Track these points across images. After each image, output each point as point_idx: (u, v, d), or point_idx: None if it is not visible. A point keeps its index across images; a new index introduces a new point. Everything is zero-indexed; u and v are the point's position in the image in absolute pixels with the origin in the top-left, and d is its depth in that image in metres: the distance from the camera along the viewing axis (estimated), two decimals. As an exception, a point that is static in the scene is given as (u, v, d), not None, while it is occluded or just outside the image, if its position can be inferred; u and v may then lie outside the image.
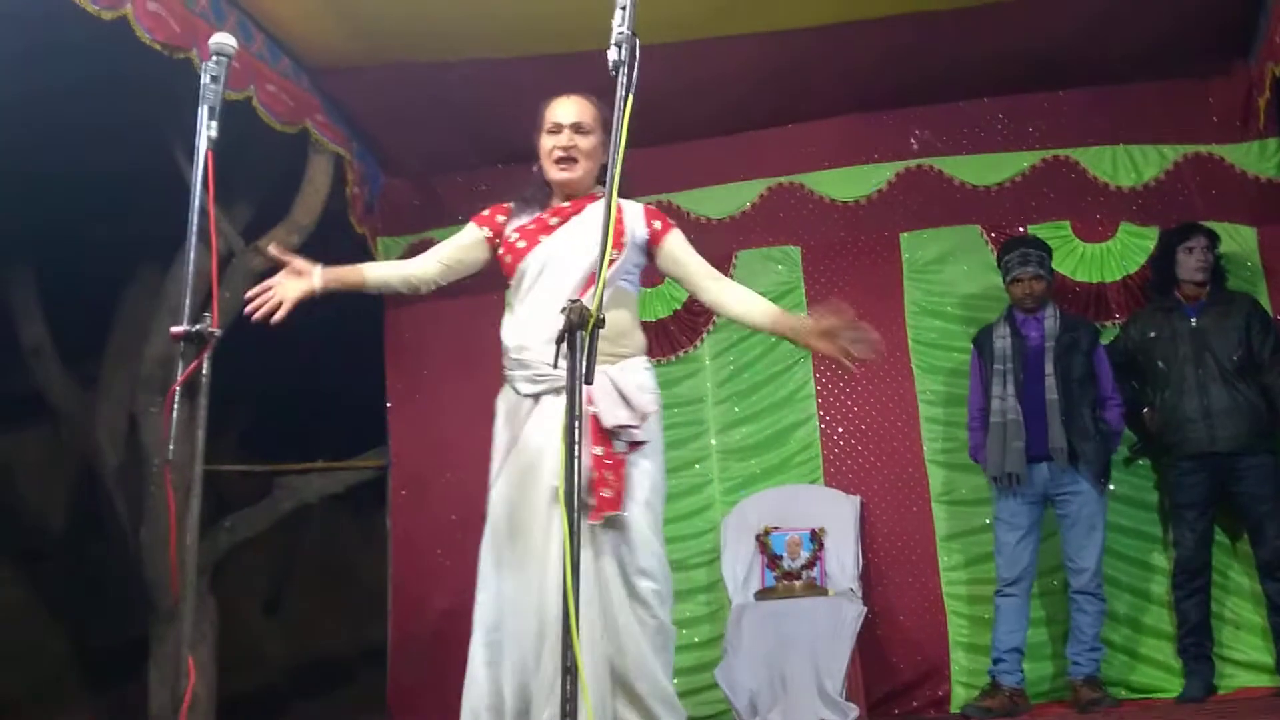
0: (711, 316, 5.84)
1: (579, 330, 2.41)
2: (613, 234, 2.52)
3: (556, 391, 3.12)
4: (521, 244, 3.25)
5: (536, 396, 3.17)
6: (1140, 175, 5.57)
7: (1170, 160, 5.55)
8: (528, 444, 3.16)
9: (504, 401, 3.28)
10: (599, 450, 3.03)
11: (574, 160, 3.26)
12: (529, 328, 3.18)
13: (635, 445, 3.11)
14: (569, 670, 2.20)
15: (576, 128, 3.26)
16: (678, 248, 3.36)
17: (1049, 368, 4.83)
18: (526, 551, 3.08)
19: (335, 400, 6.35)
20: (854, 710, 4.76)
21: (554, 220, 3.24)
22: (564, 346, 2.38)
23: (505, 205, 3.37)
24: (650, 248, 3.33)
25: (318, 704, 6.85)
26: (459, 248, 3.36)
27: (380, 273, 3.41)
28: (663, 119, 5.33)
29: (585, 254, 3.16)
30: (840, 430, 5.64)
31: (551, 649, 2.98)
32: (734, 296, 3.33)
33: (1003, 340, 4.95)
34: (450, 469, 5.75)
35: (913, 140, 5.81)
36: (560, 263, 3.20)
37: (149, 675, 5.59)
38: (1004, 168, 5.69)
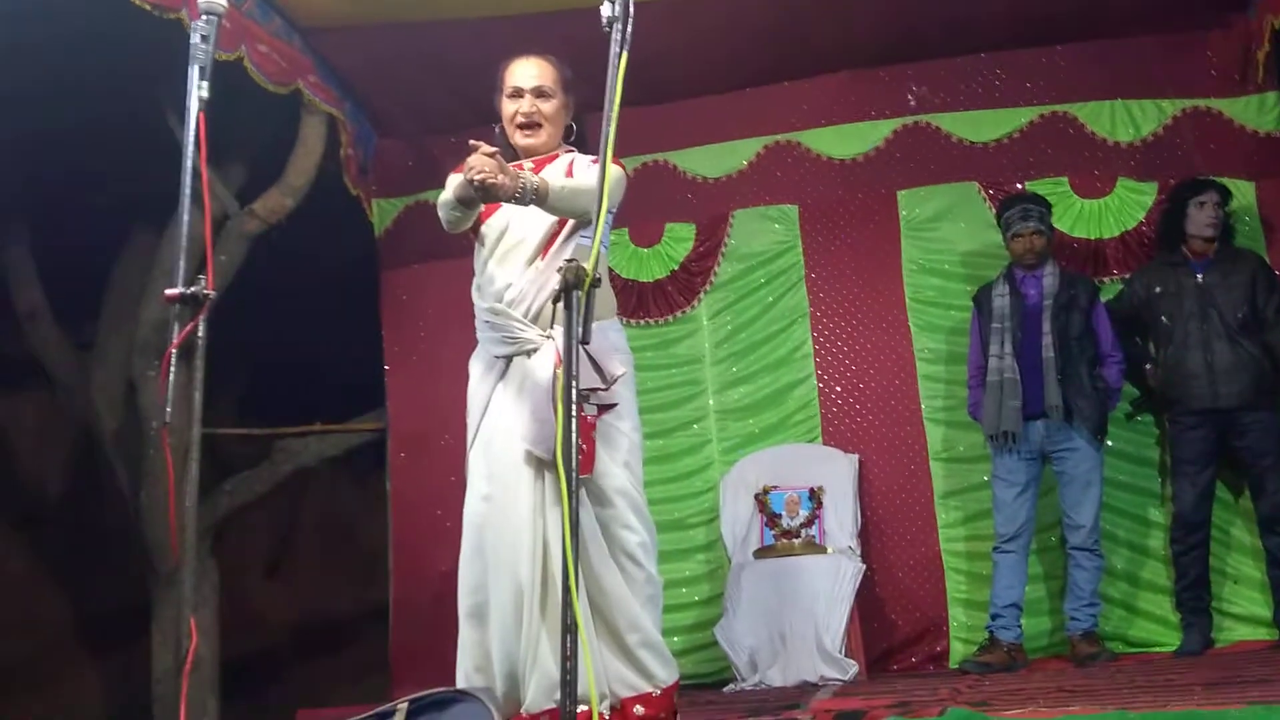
0: (709, 277, 5.83)
1: (575, 290, 2.41)
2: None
3: (527, 354, 3.14)
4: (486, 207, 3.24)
5: (507, 359, 3.18)
6: (1138, 130, 5.53)
7: (1168, 115, 5.52)
8: (499, 407, 3.17)
9: (477, 362, 3.29)
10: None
11: (538, 125, 3.25)
12: (495, 289, 3.19)
13: (606, 408, 3.12)
14: (569, 629, 2.21)
15: (538, 92, 3.25)
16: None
17: (1046, 325, 4.82)
18: (502, 515, 3.10)
19: (333, 363, 6.35)
20: (853, 666, 4.79)
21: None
22: (559, 306, 2.38)
23: None
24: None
25: (320, 665, 6.89)
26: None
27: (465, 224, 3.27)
28: (656, 76, 5.29)
29: (543, 218, 3.14)
30: (838, 389, 5.64)
31: (530, 609, 3.00)
32: None
33: (1001, 299, 4.94)
34: (448, 430, 5.74)
35: (910, 97, 5.77)
36: (520, 224, 3.20)
37: (151, 638, 5.62)
38: (1002, 124, 5.66)
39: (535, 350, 3.13)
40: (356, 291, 6.28)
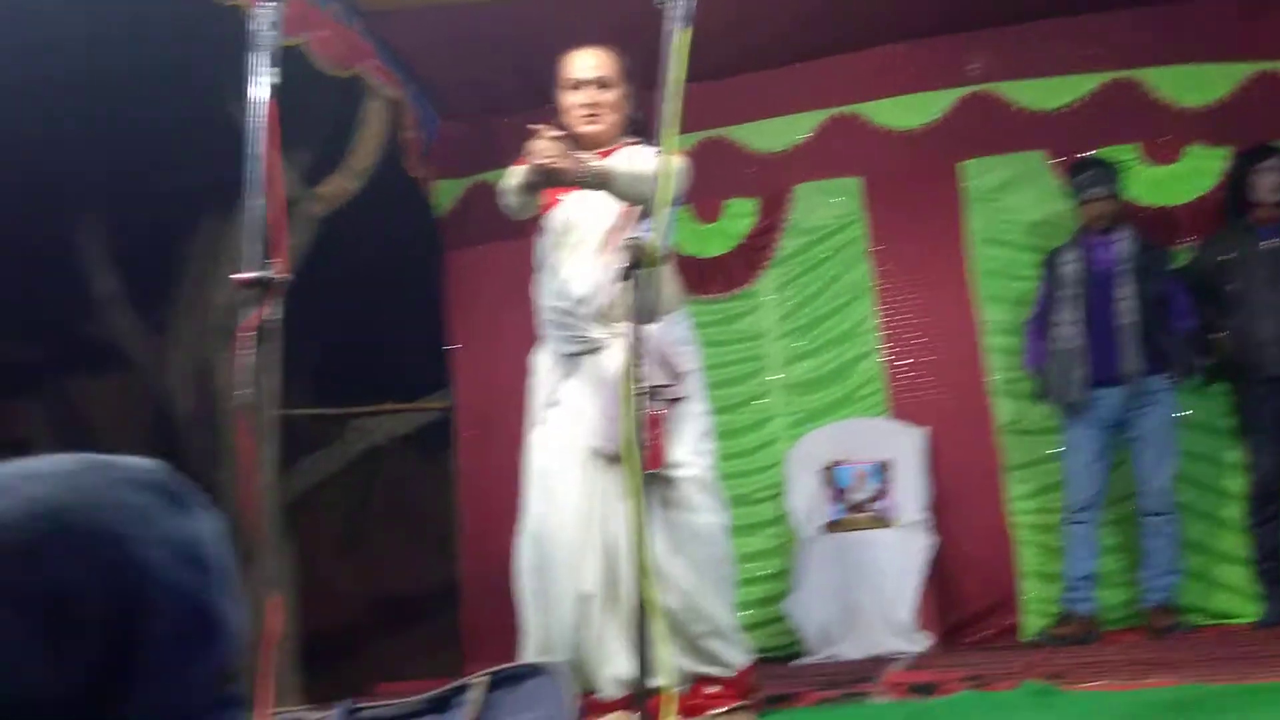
0: (771, 252, 5.81)
1: (638, 269, 2.42)
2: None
3: (594, 351, 3.15)
4: (546, 201, 3.26)
5: (574, 355, 3.20)
6: (1209, 94, 5.41)
7: (1240, 78, 5.38)
8: (566, 402, 3.18)
9: (542, 359, 3.30)
10: None
11: (599, 116, 3.26)
12: (561, 286, 3.20)
13: (675, 401, 3.13)
14: (642, 616, 2.23)
15: (599, 83, 3.27)
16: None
17: (1124, 290, 4.73)
18: (565, 511, 3.11)
19: (400, 343, 6.42)
20: (925, 639, 4.78)
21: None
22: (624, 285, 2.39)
23: None
24: None
25: (394, 641, 7.00)
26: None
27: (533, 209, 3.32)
28: (714, 52, 5.21)
29: (606, 211, 3.15)
30: (904, 363, 5.61)
31: (597, 604, 3.03)
32: None
33: (1070, 264, 4.86)
34: (514, 409, 5.72)
35: (973, 65, 5.69)
36: (582, 218, 3.21)
37: (230, 616, 5.74)
38: (1067, 91, 5.56)
39: (603, 349, 3.15)
40: (421, 272, 6.34)
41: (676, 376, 3.12)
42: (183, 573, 0.79)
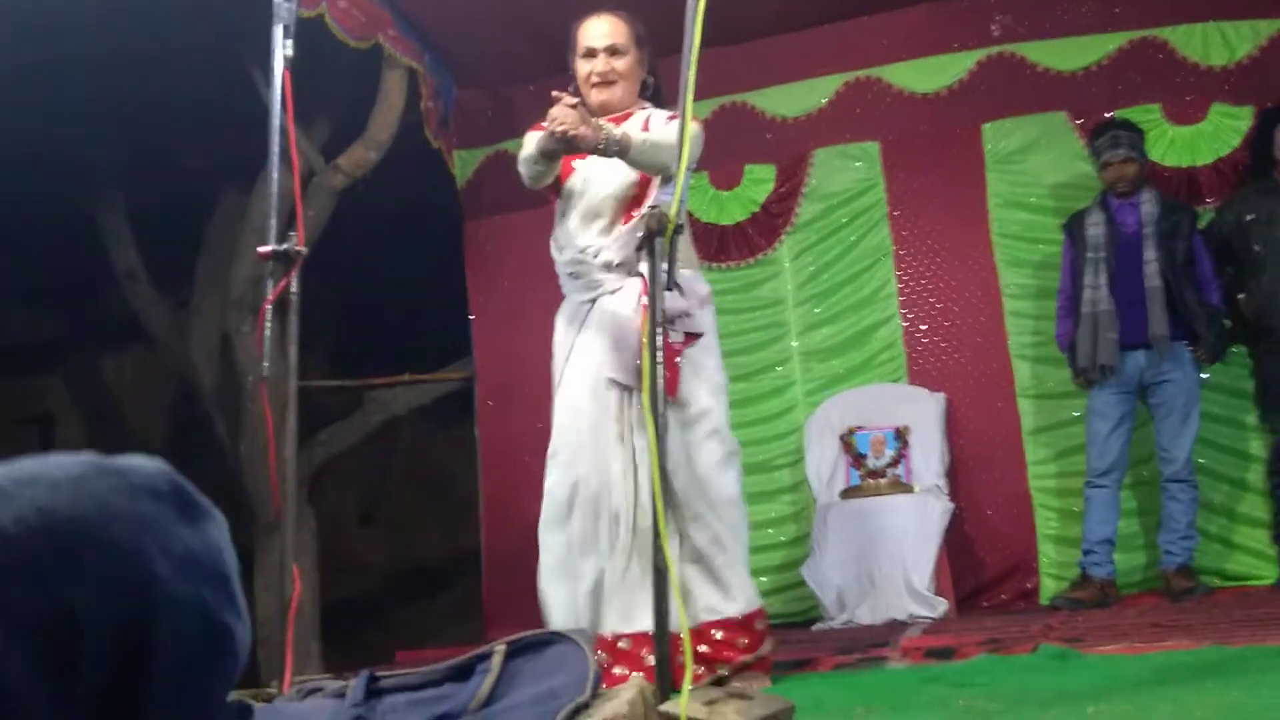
0: (790, 218, 5.80)
1: (658, 237, 2.42)
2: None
3: (612, 293, 3.18)
4: (563, 167, 3.28)
5: (592, 301, 3.22)
6: (1233, 53, 5.34)
7: (1264, 36, 5.31)
8: (583, 345, 3.22)
9: (562, 314, 3.34)
10: None
11: (612, 83, 3.27)
12: (575, 243, 3.24)
13: (691, 338, 3.14)
14: (660, 571, 2.25)
15: (611, 50, 3.27)
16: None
17: (1151, 253, 4.68)
18: (587, 444, 3.15)
19: (420, 313, 6.45)
20: (943, 604, 4.79)
21: None
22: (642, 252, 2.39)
23: None
24: None
25: (415, 609, 7.07)
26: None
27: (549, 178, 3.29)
28: (732, 16, 5.21)
29: (621, 171, 3.16)
30: (923, 328, 5.59)
31: (621, 535, 3.06)
32: None
33: (1096, 227, 4.81)
34: (534, 378, 5.76)
35: (994, 26, 5.64)
36: (599, 185, 3.23)
37: (254, 585, 5.81)
38: (1089, 51, 5.50)
39: (618, 290, 3.18)
40: (441, 242, 6.35)
41: (698, 304, 3.16)
42: (194, 590, 0.75)
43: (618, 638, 3.07)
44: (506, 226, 6.11)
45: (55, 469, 0.76)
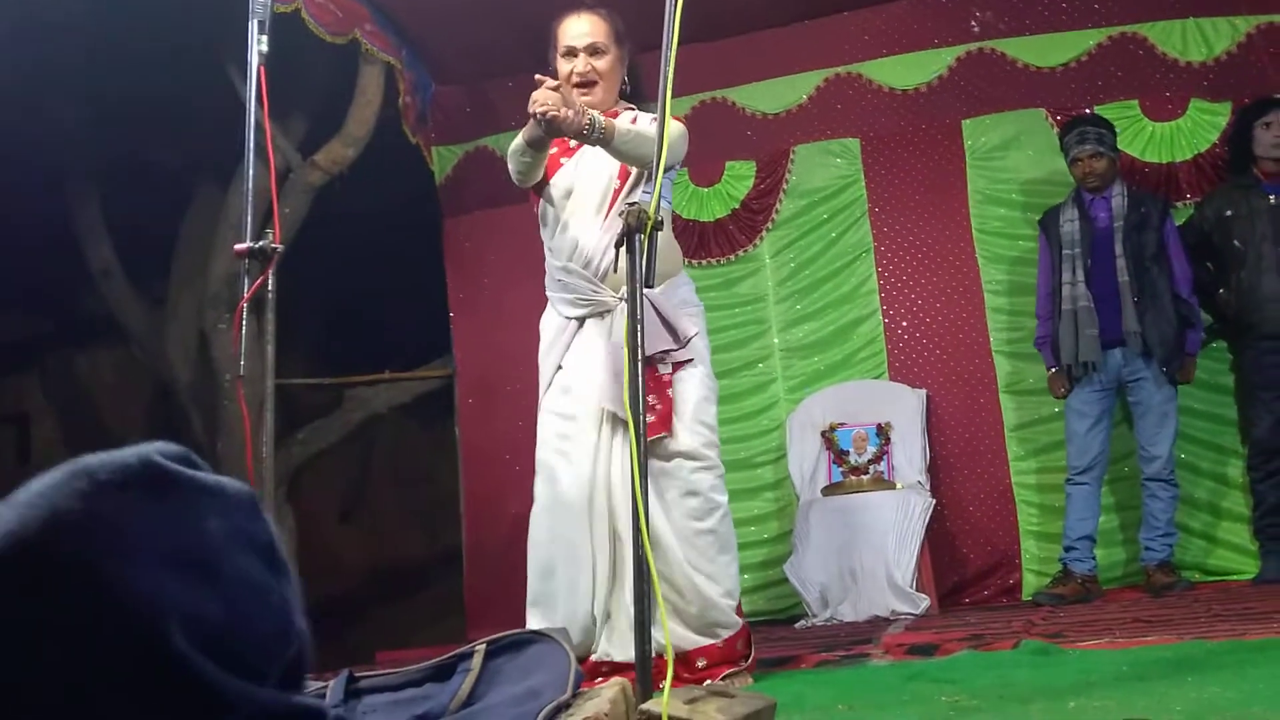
0: (771, 215, 5.79)
1: (638, 233, 2.40)
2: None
3: (600, 315, 3.15)
4: (549, 163, 3.26)
5: (580, 320, 3.19)
6: (1211, 49, 5.36)
7: (1242, 32, 5.34)
8: (572, 367, 3.19)
9: (548, 323, 3.30)
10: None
11: (594, 83, 3.25)
12: (564, 250, 3.20)
13: (681, 364, 3.13)
14: (644, 579, 2.23)
15: (591, 49, 3.25)
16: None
17: (1118, 248, 4.72)
18: (574, 472, 3.12)
19: (399, 311, 6.42)
20: (925, 600, 4.79)
21: (574, 141, 3.20)
22: (623, 251, 2.37)
23: None
24: None
25: (397, 608, 7.04)
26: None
27: (537, 171, 3.26)
28: (712, 11, 5.23)
29: (606, 174, 3.15)
30: (904, 324, 5.59)
31: (604, 564, 3.04)
32: None
33: (1070, 224, 4.83)
34: (515, 376, 5.78)
35: (973, 23, 5.64)
36: (585, 180, 3.22)
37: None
38: (1068, 47, 5.51)
39: (609, 311, 3.15)
40: (420, 239, 6.32)
41: (680, 340, 3.12)
42: (154, 586, 0.73)
43: (603, 664, 3.05)
44: (486, 223, 6.08)
45: (26, 488, 0.75)
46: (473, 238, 6.20)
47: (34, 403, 7.12)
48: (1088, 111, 5.33)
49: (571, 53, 3.25)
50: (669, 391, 3.10)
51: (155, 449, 0.83)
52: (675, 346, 3.10)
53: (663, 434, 3.07)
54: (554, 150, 3.26)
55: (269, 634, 0.83)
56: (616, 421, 3.09)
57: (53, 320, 6.97)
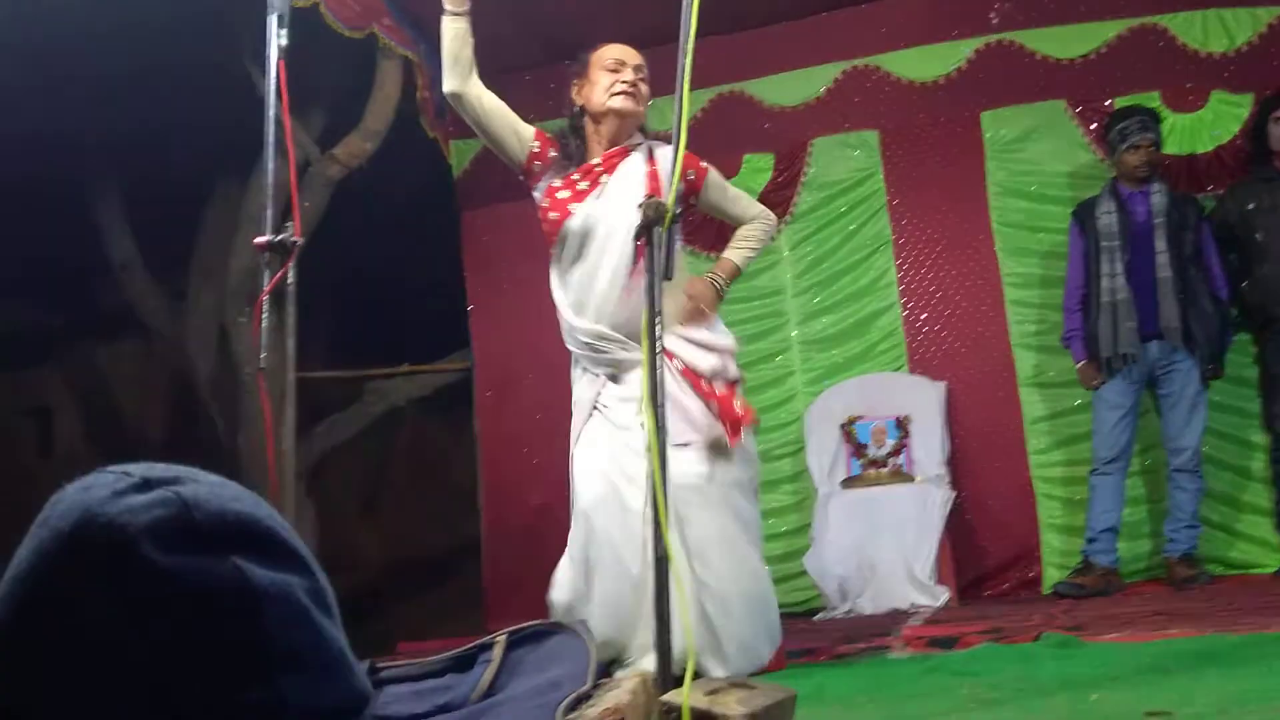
0: (788, 208, 5.78)
1: (656, 226, 2.39)
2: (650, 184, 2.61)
3: (631, 369, 3.14)
4: (556, 212, 3.22)
5: (612, 376, 3.20)
6: (1232, 40, 5.32)
7: (1264, 23, 5.29)
8: (611, 402, 3.16)
9: (579, 372, 3.28)
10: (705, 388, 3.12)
11: (636, 96, 3.27)
12: (588, 309, 3.19)
13: (733, 384, 3.15)
14: (661, 561, 2.22)
15: (638, 69, 3.28)
16: (714, 192, 3.42)
17: (1161, 244, 4.66)
18: (619, 503, 3.06)
19: (418, 304, 6.43)
20: (945, 593, 4.79)
21: (584, 184, 3.21)
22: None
23: (556, 142, 3.35)
24: (688, 197, 3.36)
25: (417, 601, 7.06)
26: (506, 122, 3.34)
27: (467, 37, 3.36)
28: (729, 4, 5.21)
29: (624, 221, 3.07)
30: (924, 316, 5.58)
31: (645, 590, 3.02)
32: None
33: (1108, 215, 4.78)
34: (533, 369, 5.80)
35: (992, 14, 5.61)
36: (606, 225, 3.17)
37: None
38: (1088, 38, 5.48)
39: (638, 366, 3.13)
40: (438, 233, 6.33)
41: (730, 352, 3.20)
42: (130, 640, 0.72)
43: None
44: (504, 217, 6.07)
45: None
46: (490, 231, 6.20)
47: (56, 396, 7.17)
48: (1109, 103, 5.30)
49: (619, 66, 3.27)
50: (734, 405, 3.13)
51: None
52: (727, 359, 3.17)
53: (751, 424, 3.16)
54: (564, 194, 3.23)
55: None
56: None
57: (74, 314, 7.00)
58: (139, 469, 0.77)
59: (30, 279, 6.34)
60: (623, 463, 3.08)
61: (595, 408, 3.20)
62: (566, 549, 3.19)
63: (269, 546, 0.77)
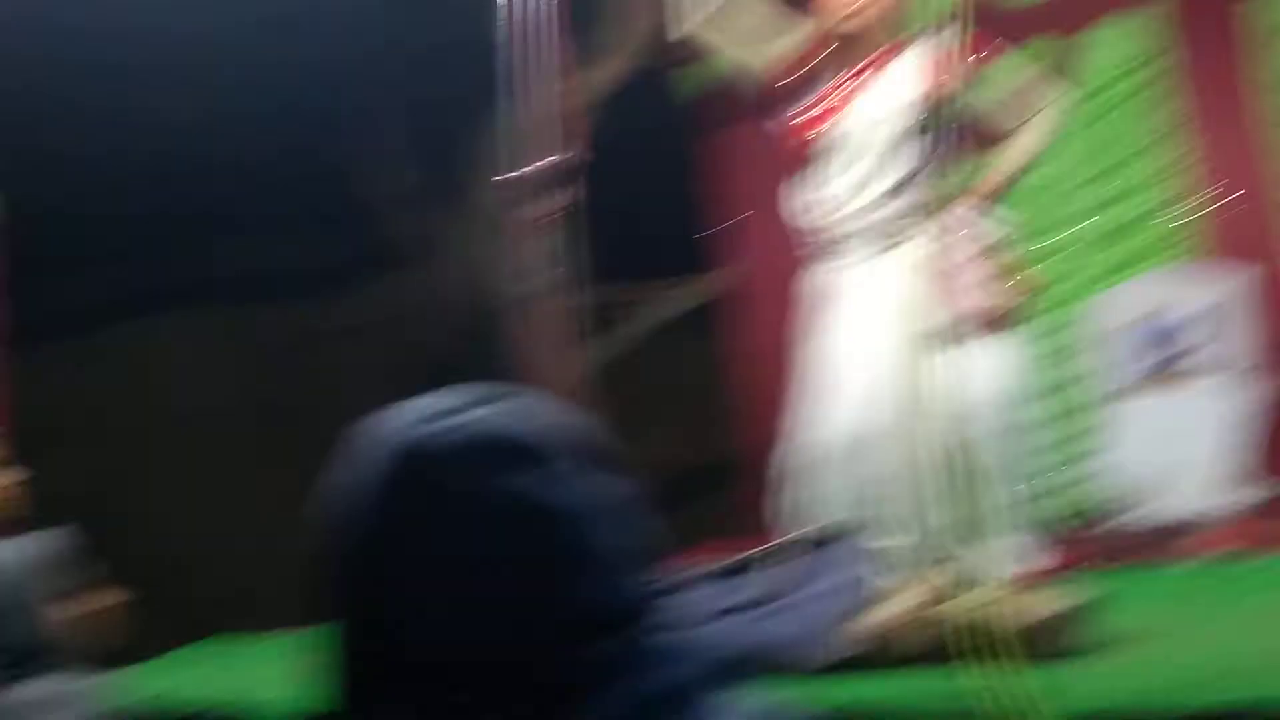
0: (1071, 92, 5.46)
1: (940, 123, 2.32)
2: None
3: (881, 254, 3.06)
4: (815, 112, 3.17)
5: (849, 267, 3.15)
6: None
7: None
8: (862, 307, 3.11)
9: (819, 276, 3.24)
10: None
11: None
12: (831, 201, 3.14)
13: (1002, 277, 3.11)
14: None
15: None
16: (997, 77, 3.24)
17: None
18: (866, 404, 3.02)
19: (676, 224, 6.51)
20: (1257, 491, 4.51)
21: (847, 87, 3.13)
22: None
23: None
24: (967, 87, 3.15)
25: (671, 521, 7.19)
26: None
27: None
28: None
29: (889, 116, 3.03)
30: (1219, 204, 5.17)
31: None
32: None
33: None
34: (783, 288, 5.75)
35: None
36: (862, 130, 3.10)
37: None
38: None
39: (882, 259, 3.09)
40: (690, 155, 6.38)
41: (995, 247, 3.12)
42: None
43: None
44: (754, 137, 6.02)
45: None
46: (742, 151, 6.15)
47: (355, 320, 7.60)
48: None
49: None
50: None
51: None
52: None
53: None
54: (817, 111, 3.17)
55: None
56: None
57: (358, 245, 7.41)
58: (449, 393, 0.86)
59: (312, 213, 6.76)
60: (879, 353, 3.03)
61: (847, 302, 3.16)
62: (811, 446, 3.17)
63: (588, 455, 0.85)
